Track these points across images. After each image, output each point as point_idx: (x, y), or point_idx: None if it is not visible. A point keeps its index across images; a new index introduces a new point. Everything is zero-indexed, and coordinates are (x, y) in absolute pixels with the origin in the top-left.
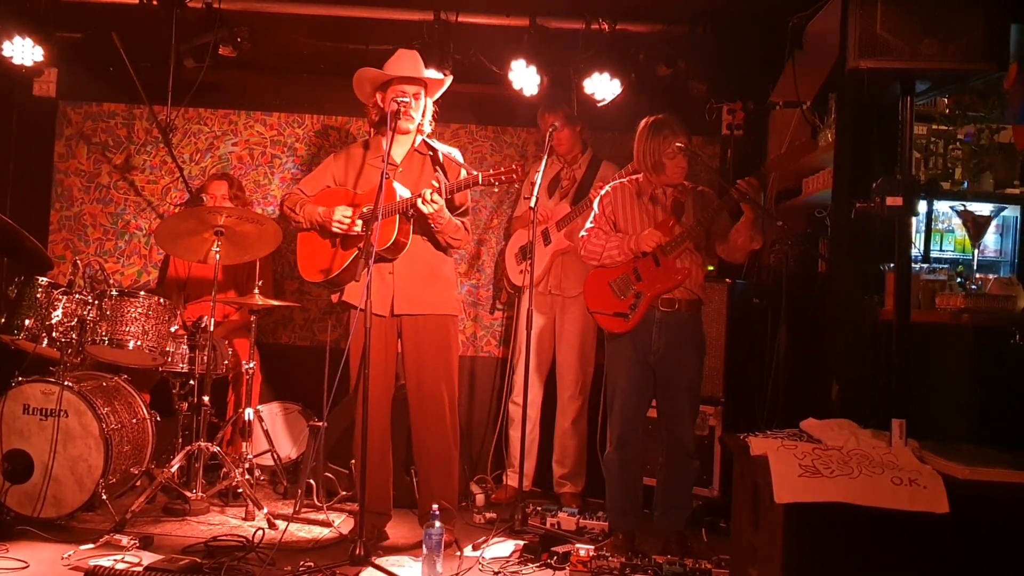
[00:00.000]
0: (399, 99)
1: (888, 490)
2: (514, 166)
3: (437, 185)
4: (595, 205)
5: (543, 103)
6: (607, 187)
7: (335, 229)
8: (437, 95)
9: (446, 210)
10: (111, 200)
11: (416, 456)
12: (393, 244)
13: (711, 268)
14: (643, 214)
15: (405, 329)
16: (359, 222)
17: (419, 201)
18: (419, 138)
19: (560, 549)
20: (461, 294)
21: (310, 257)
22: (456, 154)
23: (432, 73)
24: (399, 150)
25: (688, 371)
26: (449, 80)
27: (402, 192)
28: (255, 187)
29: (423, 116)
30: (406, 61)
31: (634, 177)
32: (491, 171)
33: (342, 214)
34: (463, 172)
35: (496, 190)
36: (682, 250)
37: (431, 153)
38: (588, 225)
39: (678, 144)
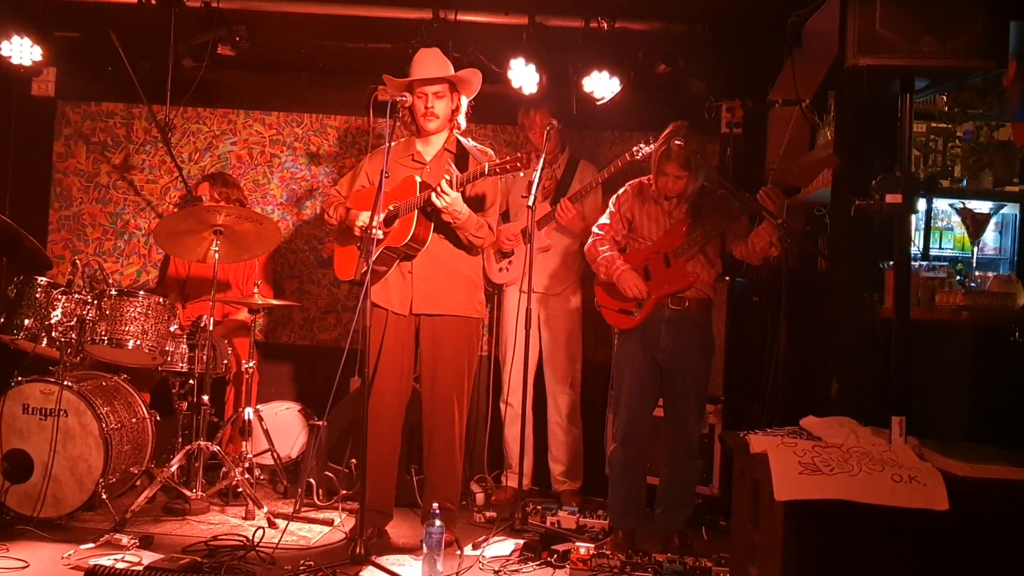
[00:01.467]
0: (397, 98)
1: (888, 487)
2: (519, 155)
3: (449, 178)
4: (611, 203)
5: (531, 102)
6: (625, 186)
7: (356, 232)
8: (474, 92)
9: (461, 203)
10: (110, 200)
11: (424, 456)
12: (411, 240)
13: None
14: (658, 215)
15: (423, 329)
16: (379, 220)
17: (432, 195)
18: (456, 136)
19: (560, 548)
20: None
21: (342, 257)
22: (492, 157)
23: (439, 68)
24: (430, 149)
25: (695, 370)
26: (478, 77)
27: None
28: (254, 186)
29: (454, 113)
30: (427, 62)
31: (649, 177)
32: (497, 160)
33: (363, 219)
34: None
35: (503, 181)
36: (694, 252)
37: (458, 152)
38: (603, 220)
39: (677, 142)
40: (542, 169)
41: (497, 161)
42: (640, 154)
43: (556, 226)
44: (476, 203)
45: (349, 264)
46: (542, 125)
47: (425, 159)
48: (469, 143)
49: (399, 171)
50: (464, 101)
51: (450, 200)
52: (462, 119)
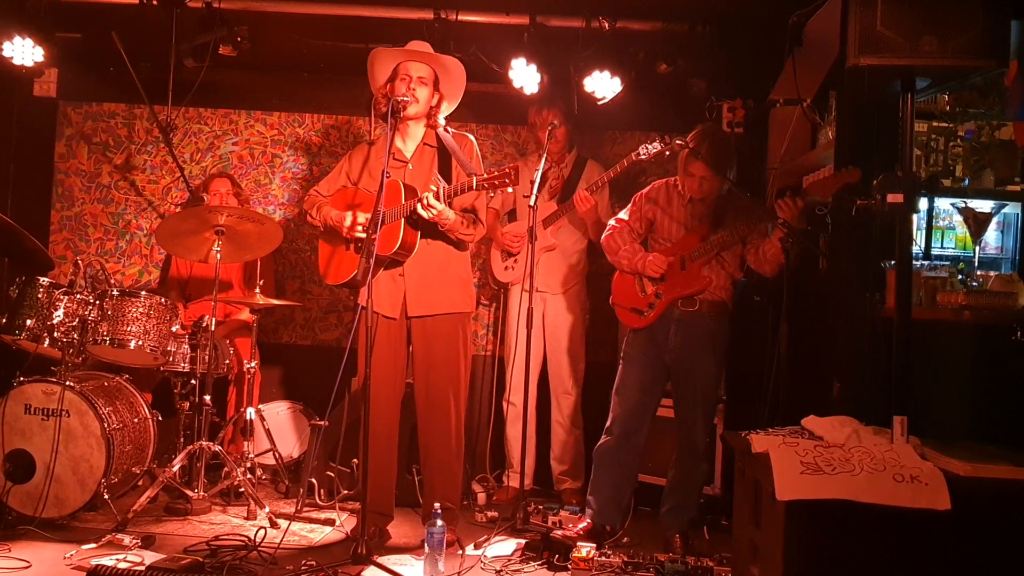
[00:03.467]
0: (397, 98)
1: (890, 487)
2: (507, 169)
3: (435, 189)
4: (633, 199)
5: (540, 100)
6: (650, 184)
7: (344, 234)
8: (455, 93)
9: (448, 212)
10: (112, 200)
11: (421, 456)
12: (400, 247)
13: None
14: (680, 217)
15: (416, 331)
16: (360, 227)
17: (418, 206)
18: (437, 131)
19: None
20: None
21: (329, 260)
22: (472, 142)
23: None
24: (410, 144)
25: (703, 373)
26: (458, 68)
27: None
28: (256, 186)
29: (433, 109)
30: (415, 46)
31: (676, 178)
32: (485, 175)
33: (348, 221)
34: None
35: (500, 192)
36: (711, 256)
37: (439, 146)
38: (621, 215)
39: (677, 142)
40: (543, 169)
41: (485, 176)
42: (646, 154)
43: (562, 225)
44: (464, 199)
45: (337, 268)
46: (560, 123)
47: (406, 156)
48: (447, 135)
49: (380, 170)
50: (445, 107)
51: (436, 212)
52: (441, 119)
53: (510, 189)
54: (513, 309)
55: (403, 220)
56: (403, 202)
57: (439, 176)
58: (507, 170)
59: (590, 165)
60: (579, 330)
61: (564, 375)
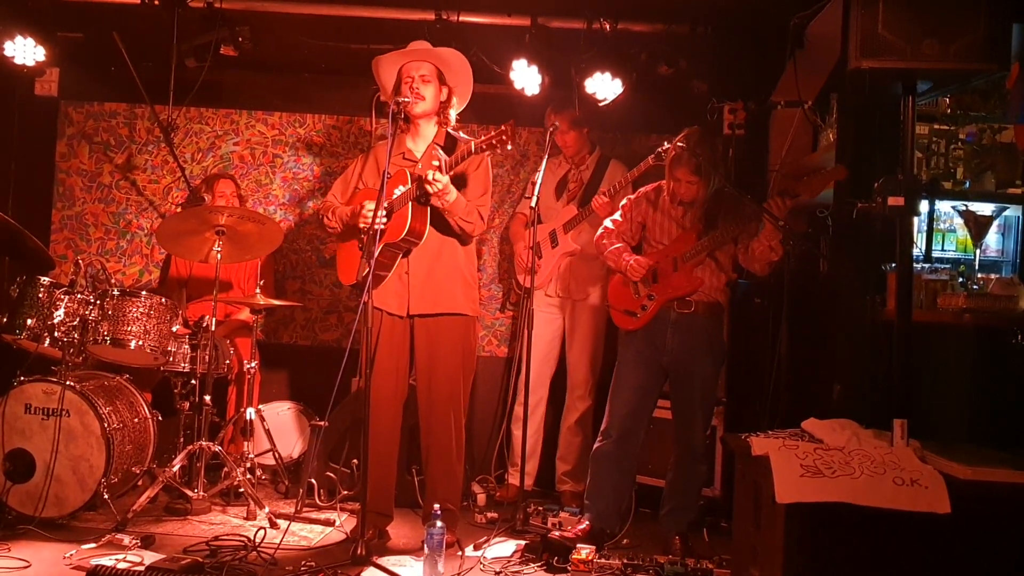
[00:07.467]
0: (399, 99)
1: (890, 490)
2: (503, 127)
3: (438, 164)
4: (622, 204)
5: (552, 103)
6: (639, 190)
7: (361, 224)
8: (461, 84)
9: (451, 187)
10: (113, 200)
11: (422, 458)
12: (408, 233)
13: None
14: (671, 219)
15: (419, 331)
16: (382, 217)
17: (424, 183)
18: (448, 128)
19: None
20: None
21: (345, 261)
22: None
23: (424, 51)
24: (420, 144)
25: (700, 375)
26: (459, 59)
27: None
28: (256, 187)
29: (443, 106)
30: (415, 46)
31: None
32: (483, 138)
33: (369, 208)
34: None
35: (499, 151)
36: (703, 257)
37: (447, 146)
38: (615, 217)
39: (679, 143)
40: (553, 170)
41: (483, 139)
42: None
43: (583, 229)
44: (470, 191)
45: (351, 268)
46: (568, 128)
47: (416, 156)
48: (459, 135)
49: (391, 170)
50: (456, 103)
51: (442, 185)
52: (453, 114)
53: (509, 147)
54: (535, 314)
55: (410, 204)
56: (410, 184)
57: (439, 150)
58: (504, 128)
59: (613, 165)
60: (601, 337)
61: (582, 380)
